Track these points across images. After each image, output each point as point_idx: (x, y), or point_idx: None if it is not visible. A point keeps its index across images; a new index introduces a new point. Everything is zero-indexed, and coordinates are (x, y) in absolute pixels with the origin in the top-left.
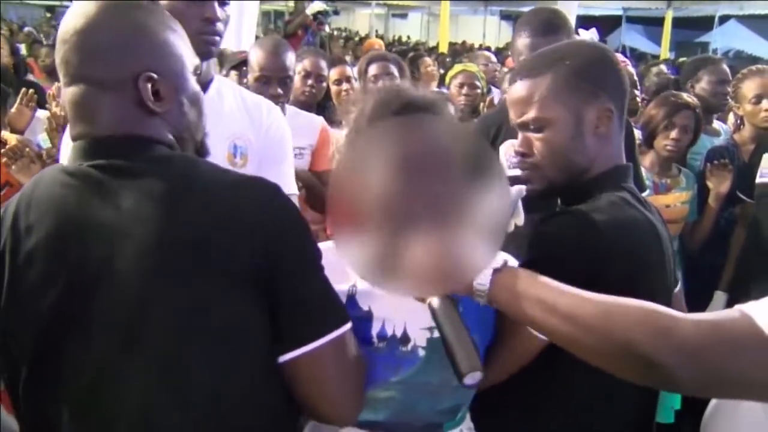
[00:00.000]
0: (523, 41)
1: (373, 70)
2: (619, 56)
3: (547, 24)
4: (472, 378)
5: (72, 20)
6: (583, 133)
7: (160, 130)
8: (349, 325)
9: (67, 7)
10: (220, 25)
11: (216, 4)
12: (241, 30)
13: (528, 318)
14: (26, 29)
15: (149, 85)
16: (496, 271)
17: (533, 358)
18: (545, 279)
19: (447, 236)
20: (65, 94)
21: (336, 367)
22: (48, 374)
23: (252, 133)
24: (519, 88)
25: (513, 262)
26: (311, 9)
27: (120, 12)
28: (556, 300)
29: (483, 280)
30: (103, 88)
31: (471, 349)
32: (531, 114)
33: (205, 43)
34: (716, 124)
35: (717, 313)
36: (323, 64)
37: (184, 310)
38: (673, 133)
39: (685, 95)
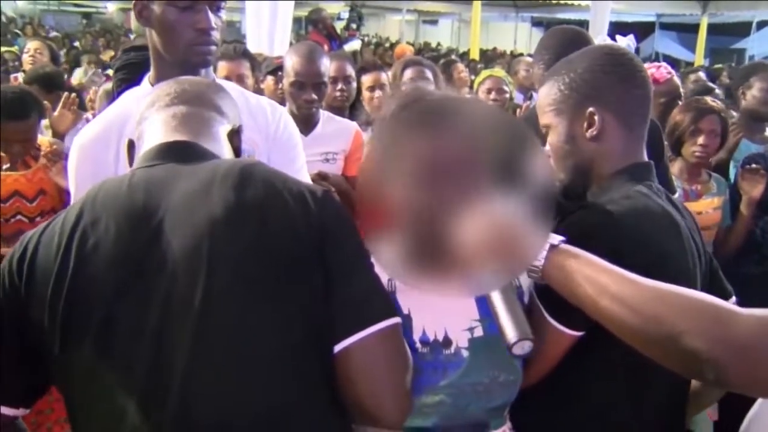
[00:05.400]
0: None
1: (408, 74)
2: (666, 67)
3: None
4: (522, 348)
5: None
6: (576, 137)
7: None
8: (398, 319)
9: (102, 13)
10: (214, 34)
11: (209, 13)
12: (274, 35)
13: (579, 297)
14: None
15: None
16: (551, 247)
17: (564, 354)
18: (599, 260)
19: (496, 210)
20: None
21: (385, 359)
22: (107, 357)
23: (258, 135)
24: (538, 95)
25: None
26: (349, 48)
27: None
28: (609, 281)
29: (538, 257)
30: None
31: (522, 319)
32: (541, 120)
33: (200, 54)
34: None
35: None
36: (348, 65)
37: (245, 304)
38: (701, 139)
39: (709, 99)
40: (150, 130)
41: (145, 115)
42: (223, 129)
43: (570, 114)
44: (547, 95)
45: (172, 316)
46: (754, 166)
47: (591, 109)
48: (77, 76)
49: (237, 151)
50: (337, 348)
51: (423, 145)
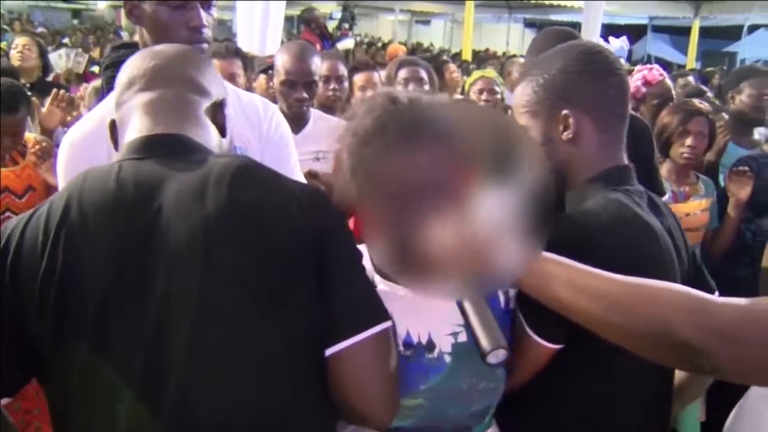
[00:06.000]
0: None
1: (403, 74)
2: (657, 69)
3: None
4: (496, 356)
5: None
6: (552, 139)
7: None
8: (390, 323)
9: (92, 10)
10: (206, 32)
11: (200, 11)
12: (266, 34)
13: (556, 300)
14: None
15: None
16: None
17: (545, 364)
18: (572, 261)
19: (470, 218)
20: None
21: (377, 363)
22: (102, 358)
23: (251, 134)
24: (513, 95)
25: None
26: (342, 46)
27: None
28: (587, 281)
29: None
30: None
31: (495, 328)
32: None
33: None
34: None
35: (757, 298)
36: (341, 65)
37: (242, 305)
38: (689, 140)
39: (696, 101)
40: (132, 117)
41: (124, 98)
42: (205, 110)
43: (545, 116)
44: (521, 96)
45: (168, 317)
46: (741, 168)
47: (565, 111)
48: (60, 64)
49: (221, 128)
50: (331, 350)
51: (400, 166)
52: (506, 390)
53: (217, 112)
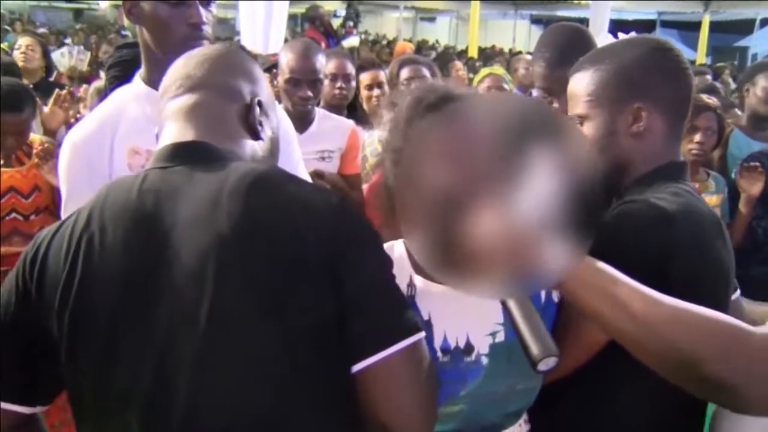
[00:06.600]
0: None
1: (405, 73)
2: None
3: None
4: (546, 364)
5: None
6: (617, 131)
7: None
8: (422, 334)
9: (94, 10)
10: (206, 28)
11: (200, 8)
12: (269, 33)
13: (593, 311)
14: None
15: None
16: None
17: (598, 352)
18: (618, 273)
19: (512, 211)
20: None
21: (408, 379)
22: (111, 369)
23: None
24: (571, 83)
25: None
26: (348, 44)
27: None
28: (628, 298)
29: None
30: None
31: (544, 333)
32: (574, 109)
33: (192, 49)
34: None
35: None
36: (349, 64)
37: (252, 319)
38: (697, 137)
39: (704, 96)
40: (164, 126)
41: (161, 107)
42: (235, 114)
43: (612, 107)
44: (586, 84)
45: (177, 326)
46: (752, 164)
47: (638, 104)
48: (63, 62)
49: (252, 129)
50: (358, 367)
51: (451, 142)
52: (552, 378)
53: (248, 114)
